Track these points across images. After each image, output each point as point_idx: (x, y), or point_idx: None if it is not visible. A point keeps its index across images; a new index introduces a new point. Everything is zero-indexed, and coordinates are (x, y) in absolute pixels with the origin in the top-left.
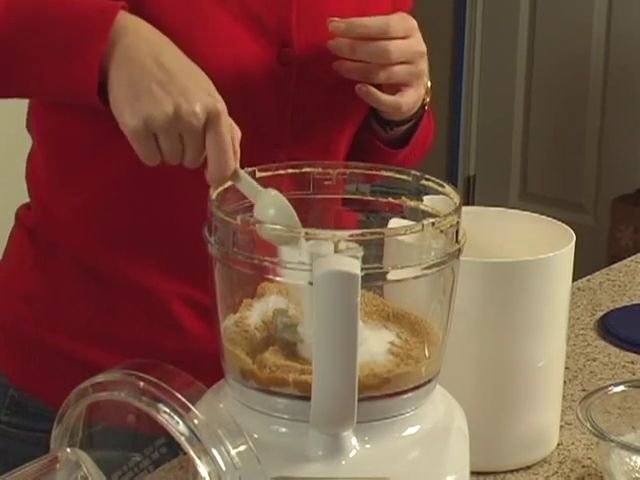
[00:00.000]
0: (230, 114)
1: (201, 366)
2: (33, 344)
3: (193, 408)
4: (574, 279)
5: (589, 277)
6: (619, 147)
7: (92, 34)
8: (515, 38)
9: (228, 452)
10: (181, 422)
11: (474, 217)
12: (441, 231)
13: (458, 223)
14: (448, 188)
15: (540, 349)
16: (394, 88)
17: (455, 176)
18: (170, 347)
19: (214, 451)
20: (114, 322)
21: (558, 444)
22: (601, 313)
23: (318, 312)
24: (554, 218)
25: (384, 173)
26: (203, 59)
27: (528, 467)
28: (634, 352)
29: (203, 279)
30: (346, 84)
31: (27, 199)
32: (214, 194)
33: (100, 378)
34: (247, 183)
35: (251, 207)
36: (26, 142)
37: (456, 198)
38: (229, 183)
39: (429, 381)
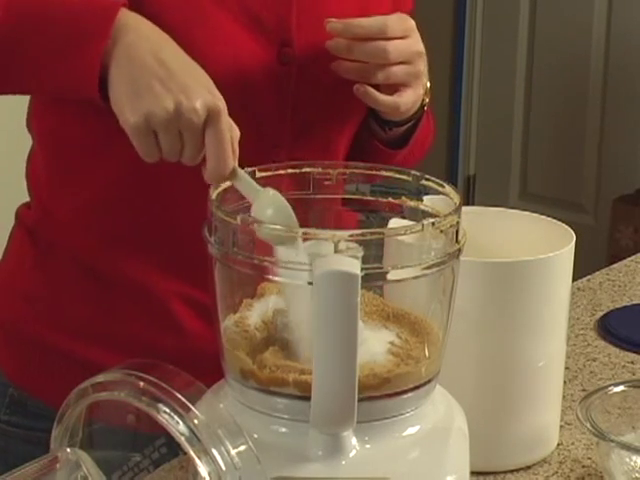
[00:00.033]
0: (230, 113)
1: (201, 366)
2: (33, 343)
3: (193, 408)
4: (574, 279)
5: (589, 277)
6: (619, 147)
7: (93, 31)
8: (515, 38)
9: (228, 452)
10: (181, 422)
11: (474, 217)
12: (441, 231)
13: (458, 223)
14: (448, 188)
15: (540, 349)
16: (392, 88)
17: (455, 176)
18: (170, 346)
19: (214, 451)
20: (114, 321)
21: (558, 444)
22: (601, 313)
23: (318, 312)
24: (554, 218)
25: (384, 173)
26: (203, 58)
27: (528, 467)
28: (634, 352)
29: (203, 279)
30: (346, 84)
31: (27, 199)
32: (214, 194)
33: (100, 378)
34: (245, 182)
35: (251, 207)
36: (26, 142)
37: (456, 198)
38: (228, 183)
39: (429, 381)
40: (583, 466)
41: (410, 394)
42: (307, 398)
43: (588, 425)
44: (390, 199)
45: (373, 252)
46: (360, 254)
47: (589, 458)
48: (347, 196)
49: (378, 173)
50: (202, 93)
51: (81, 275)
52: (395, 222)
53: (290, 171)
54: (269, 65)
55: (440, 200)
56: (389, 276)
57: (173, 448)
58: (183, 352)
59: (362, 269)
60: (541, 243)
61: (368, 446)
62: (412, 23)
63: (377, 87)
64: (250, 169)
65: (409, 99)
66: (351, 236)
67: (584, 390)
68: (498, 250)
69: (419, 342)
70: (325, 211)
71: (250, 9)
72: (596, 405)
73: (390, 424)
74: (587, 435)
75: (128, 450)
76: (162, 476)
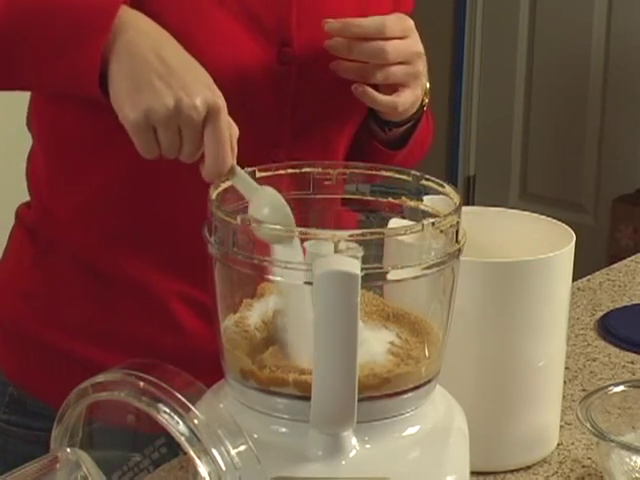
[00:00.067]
0: (229, 112)
1: (200, 365)
2: (32, 342)
3: (193, 408)
4: (574, 279)
5: (589, 277)
6: (619, 147)
7: (94, 28)
8: (515, 38)
9: (228, 452)
10: (181, 422)
11: (474, 217)
12: (441, 231)
13: (458, 223)
14: (448, 188)
15: (540, 349)
16: (391, 88)
17: (455, 176)
18: (169, 345)
19: (214, 451)
20: (113, 320)
21: (558, 444)
22: (601, 313)
23: (318, 312)
24: (554, 218)
25: (384, 173)
26: (202, 58)
27: (528, 467)
28: (634, 352)
29: (202, 278)
30: (345, 84)
31: (27, 198)
32: (214, 194)
33: (100, 378)
34: (243, 180)
35: None
36: (26, 141)
37: (456, 198)
38: (229, 183)
39: (429, 381)
40: (583, 466)
41: (410, 394)
42: (307, 398)
43: (588, 425)
44: (390, 199)
45: (373, 252)
46: (360, 254)
47: (589, 458)
48: (347, 196)
49: (378, 173)
50: (202, 90)
51: (81, 274)
52: (395, 222)
53: (290, 171)
54: (269, 65)
55: (440, 200)
56: (389, 276)
57: (173, 448)
58: (182, 351)
59: (362, 269)
60: (541, 243)
61: (368, 446)
62: (411, 23)
63: (376, 87)
64: (250, 169)
65: (407, 99)
66: (351, 236)
67: (584, 390)
68: (498, 250)
69: (419, 342)
70: (325, 211)
71: (250, 9)
72: (596, 405)
73: (390, 424)
74: (587, 435)
75: (128, 450)
76: (162, 476)
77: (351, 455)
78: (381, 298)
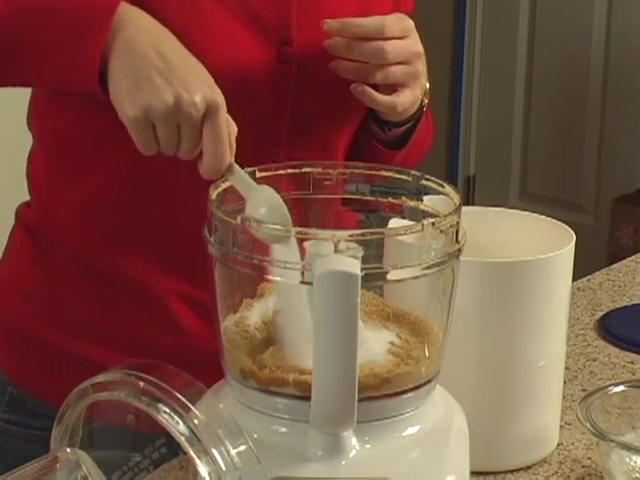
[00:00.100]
0: (229, 111)
1: (200, 364)
2: (32, 341)
3: (193, 408)
4: (574, 279)
5: (589, 277)
6: (619, 147)
7: (93, 25)
8: (515, 38)
9: (228, 452)
10: (181, 422)
11: (474, 217)
12: (441, 231)
13: (458, 223)
14: (448, 188)
15: (540, 349)
16: (391, 88)
17: (455, 176)
18: (169, 345)
19: (214, 451)
20: (113, 319)
21: (558, 444)
22: (601, 313)
23: (318, 312)
24: (554, 218)
25: (384, 173)
26: (202, 56)
27: (528, 467)
28: (634, 352)
29: (202, 277)
30: (345, 84)
31: (27, 198)
32: (214, 194)
33: (100, 378)
34: (241, 179)
35: None
36: (26, 141)
37: (456, 198)
38: (229, 183)
39: (429, 381)
40: (583, 466)
41: (410, 394)
42: (307, 398)
43: (588, 425)
44: (390, 199)
45: (373, 252)
46: (360, 254)
47: (589, 458)
48: (347, 196)
49: (378, 173)
50: (202, 87)
51: (80, 273)
52: (395, 222)
53: (290, 171)
54: (269, 64)
55: (440, 200)
56: (389, 276)
57: (173, 448)
58: (182, 351)
59: (362, 269)
60: (541, 243)
61: (368, 446)
62: (411, 23)
63: (376, 87)
64: (250, 169)
65: (407, 99)
66: (351, 236)
67: (584, 390)
68: (498, 250)
69: (419, 342)
70: (325, 211)
71: (250, 7)
72: (596, 405)
73: (390, 424)
74: (587, 435)
75: (128, 450)
76: (162, 476)
77: (351, 455)
78: (381, 298)
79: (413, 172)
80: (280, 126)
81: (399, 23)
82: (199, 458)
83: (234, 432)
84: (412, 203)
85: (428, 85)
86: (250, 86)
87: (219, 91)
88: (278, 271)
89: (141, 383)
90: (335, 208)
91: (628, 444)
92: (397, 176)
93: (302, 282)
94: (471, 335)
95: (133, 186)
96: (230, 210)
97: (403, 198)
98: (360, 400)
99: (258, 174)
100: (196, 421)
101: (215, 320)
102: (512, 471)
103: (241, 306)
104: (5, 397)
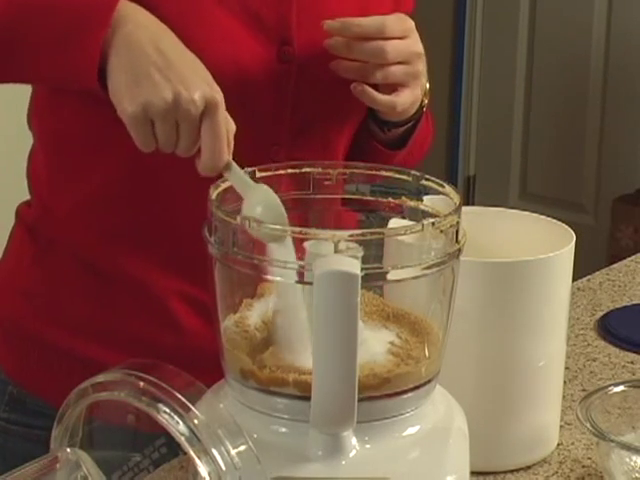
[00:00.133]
0: (228, 111)
1: (200, 364)
2: (32, 340)
3: (193, 408)
4: (574, 279)
5: (589, 277)
6: (619, 147)
7: (93, 21)
8: (515, 38)
9: (228, 452)
10: (181, 422)
11: (474, 217)
12: (441, 231)
13: (458, 223)
14: (448, 188)
15: (540, 349)
16: (391, 88)
17: (455, 176)
18: (169, 344)
19: (214, 451)
20: (113, 318)
21: (558, 444)
22: (601, 313)
23: (318, 312)
24: (554, 218)
25: (384, 173)
26: (201, 55)
27: (528, 467)
28: (634, 352)
29: (202, 277)
30: (345, 83)
31: (27, 197)
32: (214, 194)
33: (100, 378)
34: (238, 177)
35: None
36: (26, 140)
37: (456, 198)
38: (228, 183)
39: (429, 381)
40: (583, 466)
41: (410, 394)
42: (307, 398)
43: (588, 425)
44: (390, 199)
45: (373, 252)
46: (360, 254)
47: (589, 458)
48: (347, 196)
49: (378, 173)
50: (200, 85)
51: (80, 272)
52: (395, 222)
53: (290, 171)
54: (269, 63)
55: (440, 200)
56: (389, 276)
57: (173, 448)
58: (182, 350)
59: (362, 269)
60: (541, 243)
61: (368, 446)
62: (411, 23)
63: (376, 87)
64: (250, 169)
65: (407, 99)
66: (351, 236)
67: (584, 390)
68: (498, 250)
69: (419, 342)
70: (325, 211)
71: (250, 7)
72: (596, 405)
73: (390, 424)
74: (587, 435)
75: (128, 450)
76: (162, 476)
77: (351, 455)
78: (381, 298)
79: (413, 172)
80: (280, 126)
81: (399, 23)
82: (199, 458)
83: (234, 432)
84: (412, 203)
85: (428, 85)
86: (250, 85)
87: (218, 89)
88: (278, 271)
89: (141, 383)
90: (335, 208)
91: (628, 444)
92: (397, 176)
93: (297, 282)
94: (471, 335)
95: (133, 184)
96: (230, 210)
97: (403, 198)
98: (360, 400)
99: (258, 174)
100: (196, 421)
101: (215, 320)
102: (512, 471)
103: (241, 306)
104: (5, 396)
